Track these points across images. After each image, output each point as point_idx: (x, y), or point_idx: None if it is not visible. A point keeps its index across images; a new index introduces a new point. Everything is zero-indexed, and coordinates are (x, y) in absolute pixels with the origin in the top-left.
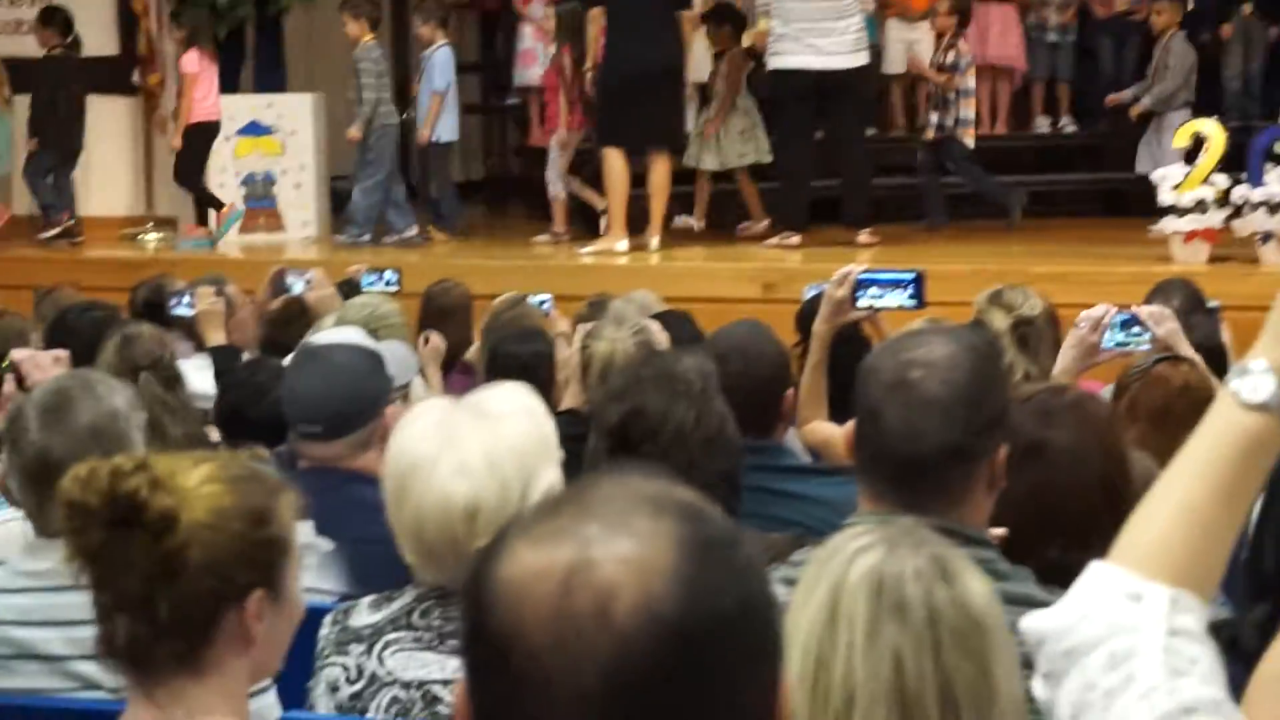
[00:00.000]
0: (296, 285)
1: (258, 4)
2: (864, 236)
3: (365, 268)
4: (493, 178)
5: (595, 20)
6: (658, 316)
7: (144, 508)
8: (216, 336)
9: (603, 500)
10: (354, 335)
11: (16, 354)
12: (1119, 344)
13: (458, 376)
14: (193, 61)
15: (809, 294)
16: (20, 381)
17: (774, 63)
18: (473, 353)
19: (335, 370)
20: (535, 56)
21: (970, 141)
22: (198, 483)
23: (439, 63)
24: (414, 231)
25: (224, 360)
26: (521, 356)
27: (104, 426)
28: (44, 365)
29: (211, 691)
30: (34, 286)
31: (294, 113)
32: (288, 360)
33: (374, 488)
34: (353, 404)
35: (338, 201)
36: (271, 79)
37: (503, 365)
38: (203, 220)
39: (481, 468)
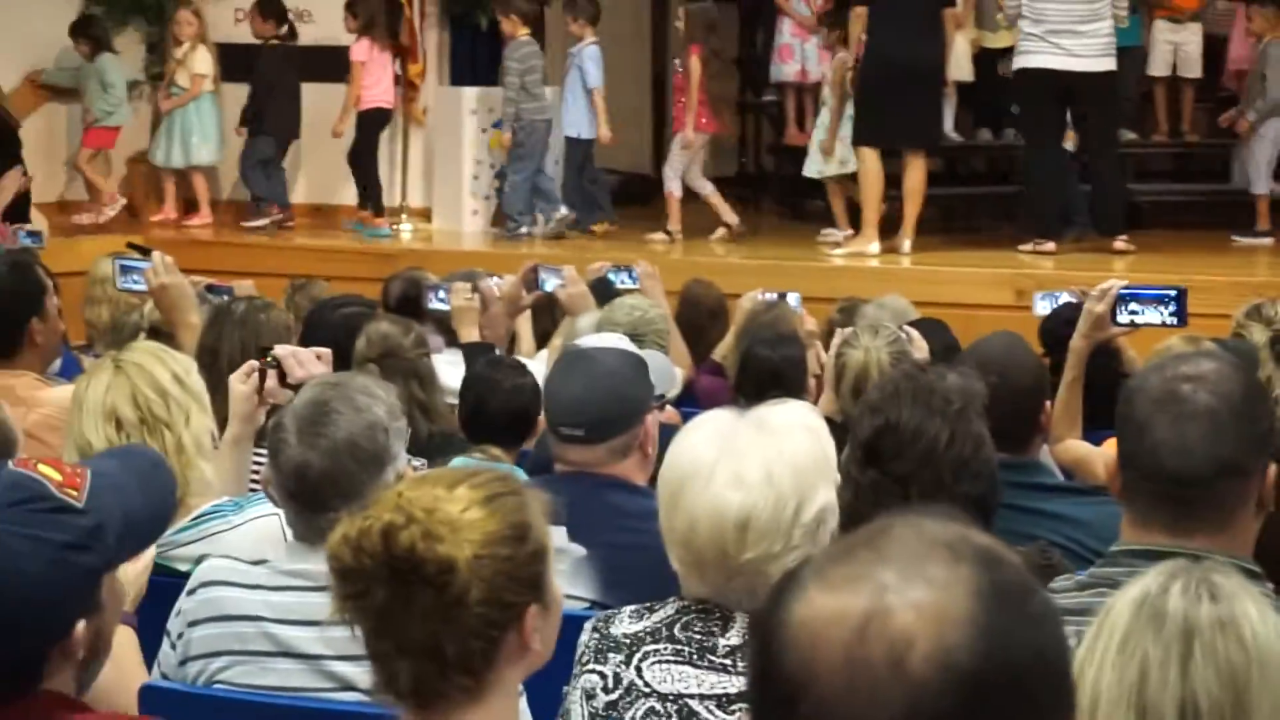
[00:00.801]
0: (549, 282)
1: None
2: (1119, 244)
3: (610, 265)
4: (745, 174)
5: (859, 18)
6: (913, 324)
7: (422, 562)
8: (470, 333)
9: (898, 544)
10: (619, 340)
11: (280, 349)
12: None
13: (706, 375)
14: (362, 50)
15: (1040, 304)
16: (282, 377)
17: (1020, 62)
18: (721, 351)
19: (601, 374)
20: (793, 52)
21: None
22: (459, 511)
23: (590, 59)
24: (564, 212)
25: (476, 356)
26: (773, 360)
27: (362, 441)
28: (306, 362)
29: (493, 712)
30: (279, 275)
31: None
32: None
33: (631, 494)
34: (616, 409)
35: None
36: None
37: (755, 368)
38: (373, 208)
39: (758, 480)
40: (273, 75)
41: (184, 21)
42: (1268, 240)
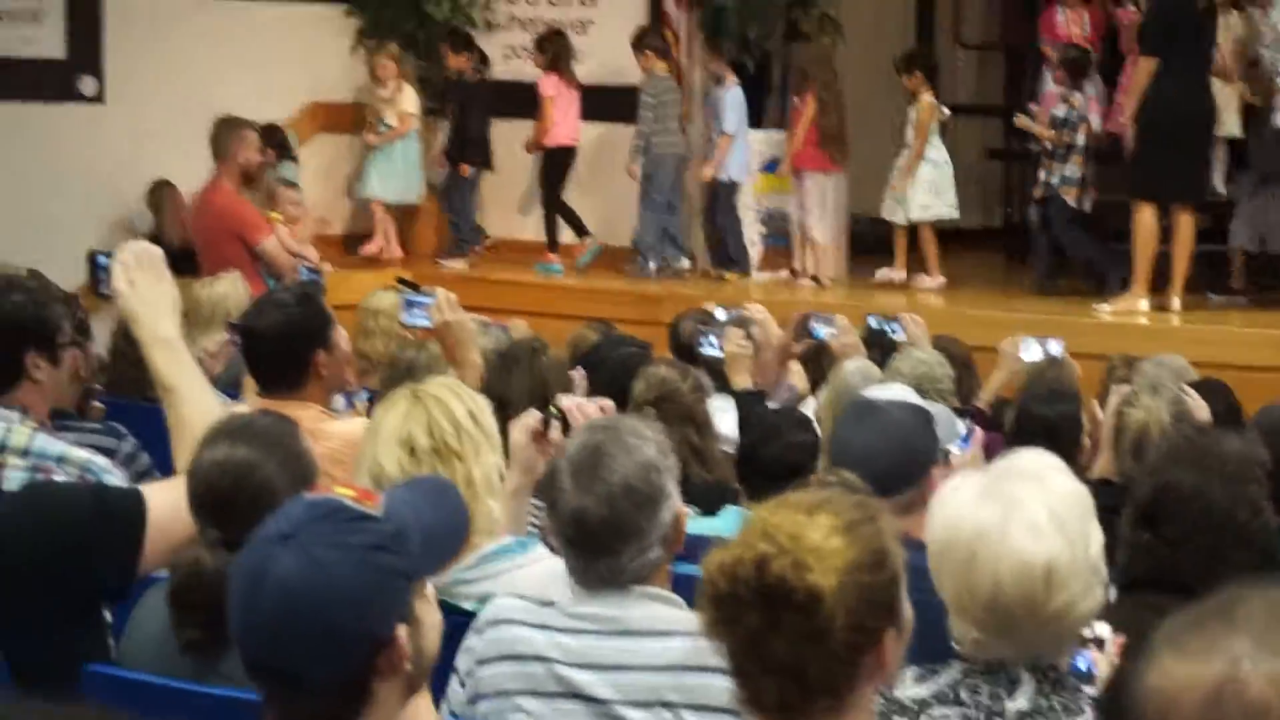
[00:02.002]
0: (821, 330)
1: (785, 37)
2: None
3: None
4: (1010, 225)
5: (1145, 69)
6: (1194, 385)
7: (792, 590)
8: (742, 380)
9: (1250, 615)
10: (906, 393)
11: (563, 400)
12: None
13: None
14: (551, 85)
15: None
16: (565, 429)
17: None
18: (986, 397)
19: (890, 426)
20: (1056, 99)
21: (1072, 201)
22: (822, 538)
23: (730, 103)
24: (685, 265)
25: (748, 404)
26: (1049, 418)
27: (637, 483)
28: (590, 414)
29: None
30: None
31: (763, 153)
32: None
33: (916, 551)
34: (904, 462)
35: (858, 239)
36: (751, 116)
37: (1029, 425)
38: (553, 246)
39: (1049, 527)
40: (472, 108)
41: (382, 65)
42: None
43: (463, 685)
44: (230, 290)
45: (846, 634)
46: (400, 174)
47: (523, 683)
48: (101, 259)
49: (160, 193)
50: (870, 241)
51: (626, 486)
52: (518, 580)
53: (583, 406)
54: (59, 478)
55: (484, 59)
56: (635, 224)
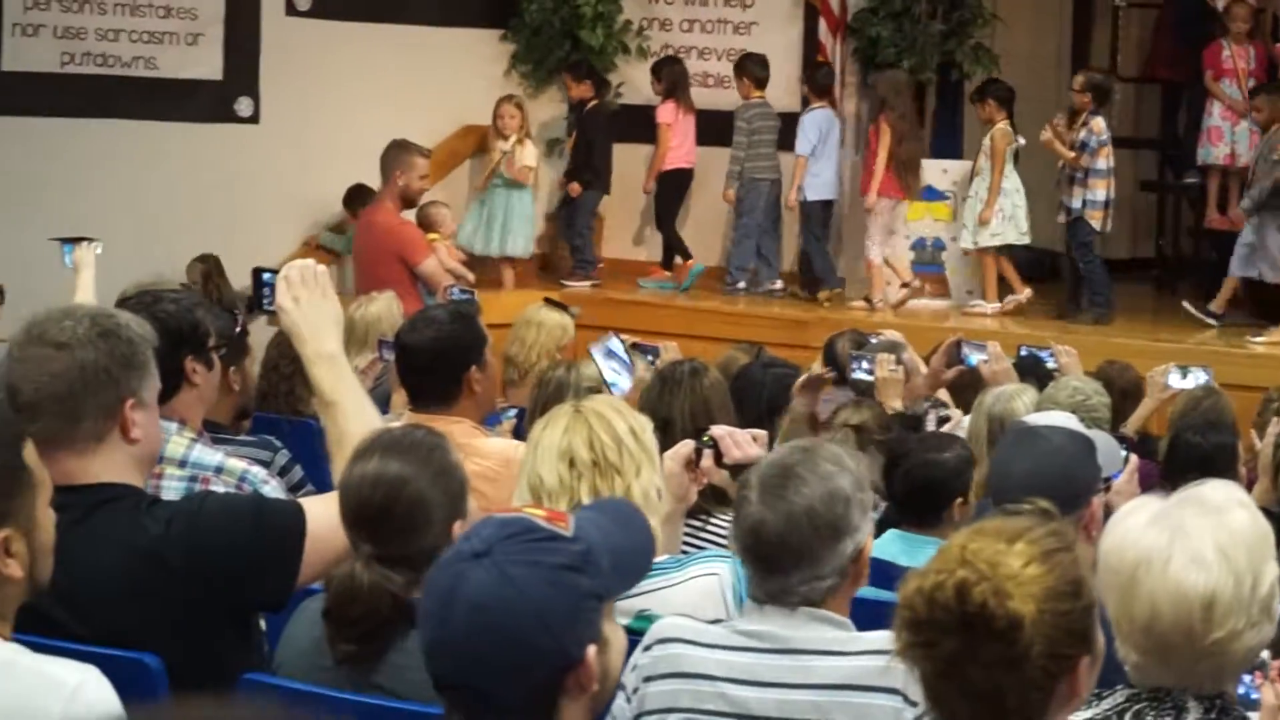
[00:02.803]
0: (973, 357)
1: (940, 69)
2: None
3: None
4: (1163, 257)
5: None
6: None
7: (993, 618)
8: (894, 404)
9: None
10: (1067, 419)
11: (717, 430)
12: None
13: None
14: (669, 112)
15: None
16: (718, 458)
17: None
18: (1132, 426)
19: (1051, 452)
20: (1223, 135)
21: (1096, 224)
22: (1020, 566)
23: (806, 125)
24: (777, 285)
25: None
26: (1204, 448)
27: (822, 510)
28: (743, 443)
29: None
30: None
31: (962, 179)
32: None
33: None
34: (1065, 488)
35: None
36: (949, 144)
37: (1185, 454)
38: (667, 265)
39: (1215, 559)
40: (593, 134)
41: (507, 115)
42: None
43: (628, 701)
44: (384, 311)
45: (1043, 661)
46: (514, 228)
47: (689, 700)
48: (266, 275)
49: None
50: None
51: (809, 509)
52: (672, 598)
53: (735, 435)
54: (216, 488)
55: (605, 85)
56: (731, 246)
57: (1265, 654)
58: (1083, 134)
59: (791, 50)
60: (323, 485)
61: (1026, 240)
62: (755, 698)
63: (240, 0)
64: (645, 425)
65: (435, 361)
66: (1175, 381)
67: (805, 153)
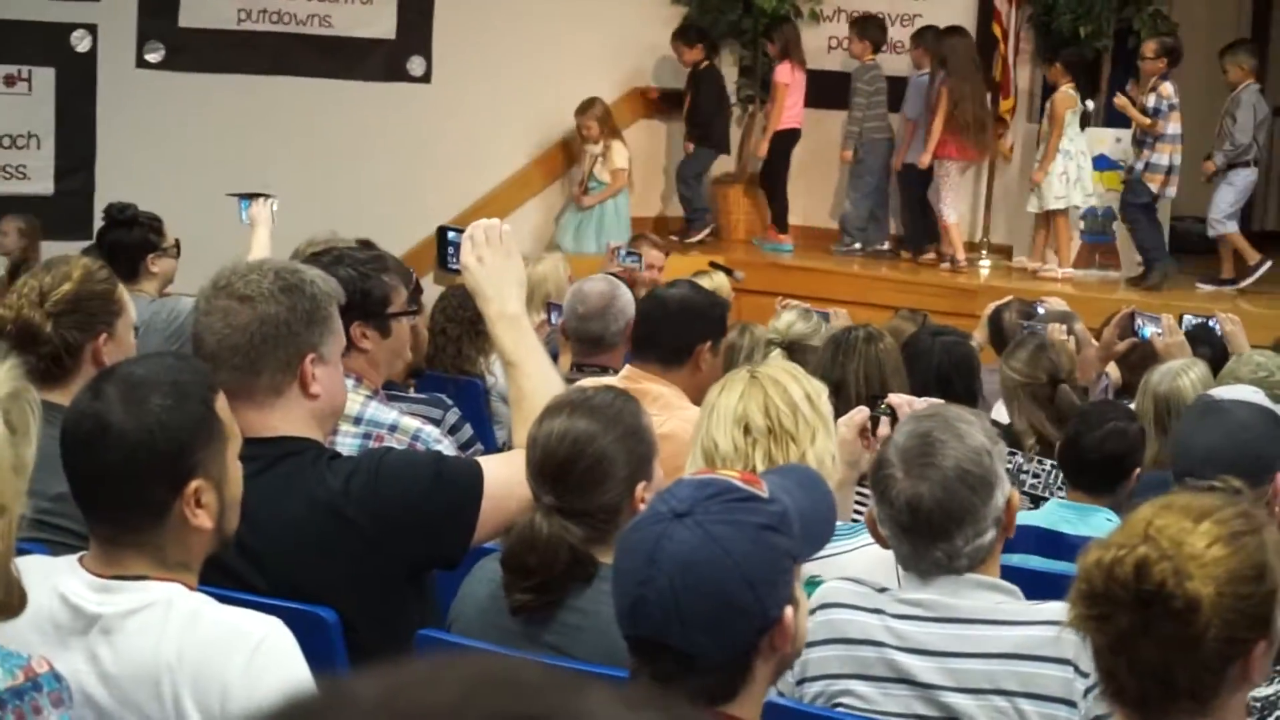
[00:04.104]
0: (1147, 329)
1: (1117, 35)
2: None
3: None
4: None
5: None
6: None
7: (1171, 597)
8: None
9: None
10: (1254, 393)
11: (894, 398)
12: None
13: None
14: (785, 73)
15: None
16: (894, 425)
17: None
18: None
19: (1236, 427)
20: None
21: (1154, 188)
22: (1204, 546)
23: (913, 90)
24: (885, 246)
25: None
26: None
27: (971, 467)
28: (916, 406)
29: None
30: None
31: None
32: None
33: None
34: (1250, 464)
35: (1180, 243)
36: (1120, 115)
37: None
38: (782, 227)
39: None
40: (705, 95)
41: (585, 126)
42: (1229, 289)
43: (790, 668)
44: (550, 271)
45: (1218, 644)
46: (610, 229)
47: (853, 666)
48: (452, 234)
49: None
50: (1193, 240)
51: (960, 470)
52: (845, 564)
53: (913, 404)
54: (391, 444)
55: (715, 48)
56: (846, 205)
57: None
58: (1152, 99)
59: (966, 13)
60: (489, 444)
61: (1093, 202)
62: (922, 665)
63: None
64: (821, 391)
65: (678, 320)
66: None
67: (913, 116)
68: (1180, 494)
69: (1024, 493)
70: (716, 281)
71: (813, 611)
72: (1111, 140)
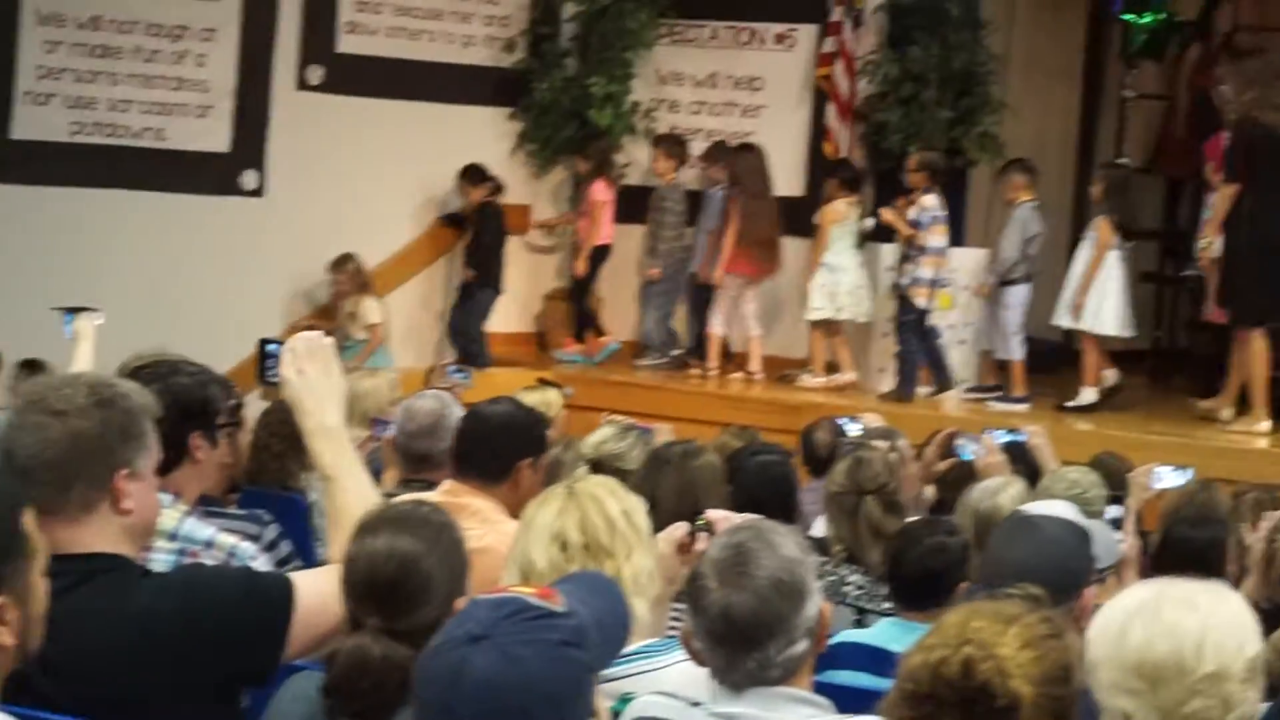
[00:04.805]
0: (967, 450)
1: (948, 153)
2: None
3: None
4: (1160, 350)
5: (1226, 194)
6: None
7: (995, 696)
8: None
9: None
10: (1066, 508)
11: (711, 514)
12: None
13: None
14: (601, 190)
15: None
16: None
17: None
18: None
19: (1047, 542)
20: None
21: (921, 302)
22: (1017, 649)
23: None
24: (676, 353)
25: None
26: (1196, 542)
27: (785, 578)
28: (734, 521)
29: None
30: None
31: (966, 269)
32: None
33: None
34: (1059, 578)
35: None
36: (953, 230)
37: (1176, 548)
38: (579, 337)
39: (1205, 604)
40: (486, 234)
41: (340, 279)
42: (1022, 406)
43: None
44: (373, 388)
45: None
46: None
47: None
48: (271, 346)
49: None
50: (1050, 359)
51: (774, 579)
52: (659, 680)
53: (731, 519)
54: (205, 562)
55: (499, 188)
56: (647, 322)
57: None
58: (913, 212)
59: (800, 132)
60: (310, 560)
61: (845, 316)
62: None
63: (251, 74)
64: (638, 507)
65: (499, 437)
66: (1157, 482)
67: (709, 230)
68: (984, 602)
69: (847, 604)
70: (547, 397)
71: None
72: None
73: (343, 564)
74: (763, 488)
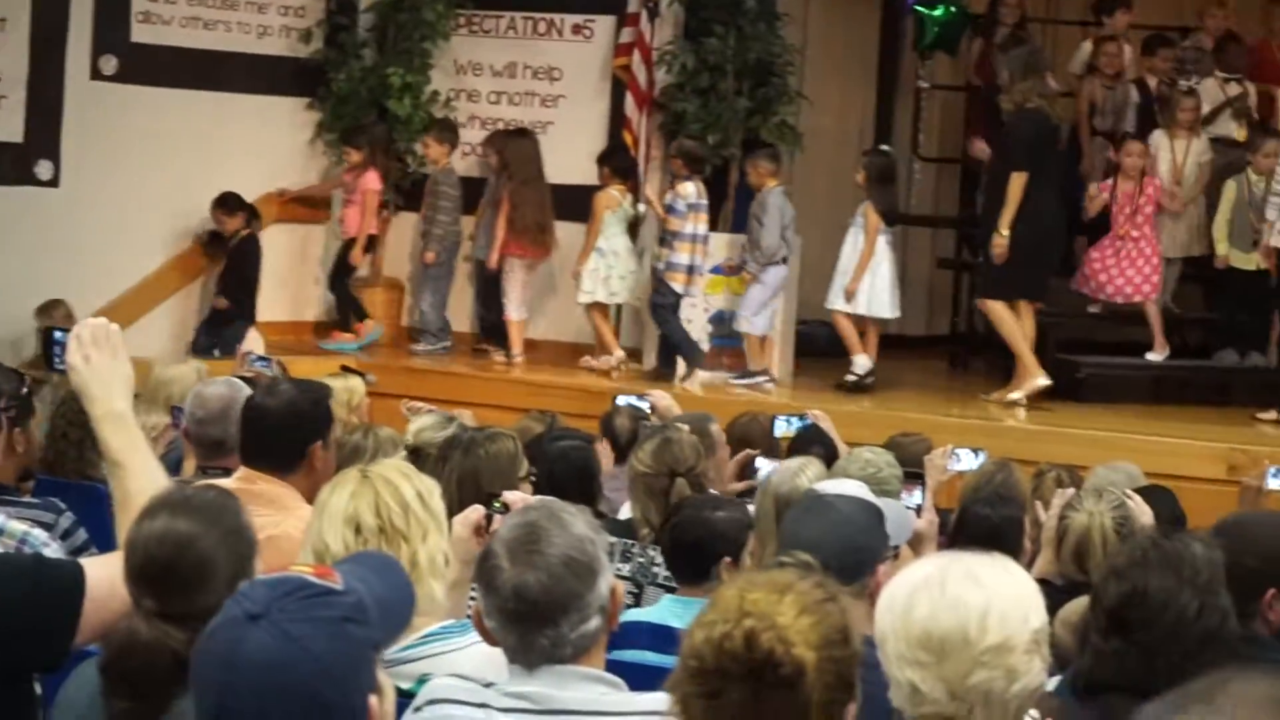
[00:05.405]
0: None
1: (744, 145)
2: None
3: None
4: (957, 334)
5: (1018, 182)
6: (1140, 491)
7: (780, 664)
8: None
9: (1233, 700)
10: (859, 489)
11: (509, 496)
12: None
13: None
14: (374, 179)
15: (1273, 480)
16: None
17: None
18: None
19: (840, 521)
20: None
21: (678, 287)
22: (795, 616)
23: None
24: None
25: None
26: (992, 520)
27: (577, 555)
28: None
29: None
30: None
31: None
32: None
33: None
34: (851, 556)
35: (803, 344)
36: (742, 222)
37: (972, 527)
38: (345, 325)
39: (989, 579)
40: (250, 265)
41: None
42: (764, 380)
43: None
44: (180, 375)
45: (821, 709)
46: None
47: None
48: (58, 334)
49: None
50: (822, 343)
51: (566, 558)
52: (456, 661)
53: (527, 501)
54: None
55: (255, 216)
56: (423, 307)
57: (1034, 713)
58: (669, 197)
59: (598, 122)
60: (107, 549)
61: (618, 300)
62: None
63: (44, 63)
64: (433, 490)
65: (282, 428)
66: (955, 464)
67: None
68: (756, 574)
69: (658, 584)
70: (350, 384)
71: (420, 708)
72: (738, 245)
73: (124, 548)
74: (564, 472)
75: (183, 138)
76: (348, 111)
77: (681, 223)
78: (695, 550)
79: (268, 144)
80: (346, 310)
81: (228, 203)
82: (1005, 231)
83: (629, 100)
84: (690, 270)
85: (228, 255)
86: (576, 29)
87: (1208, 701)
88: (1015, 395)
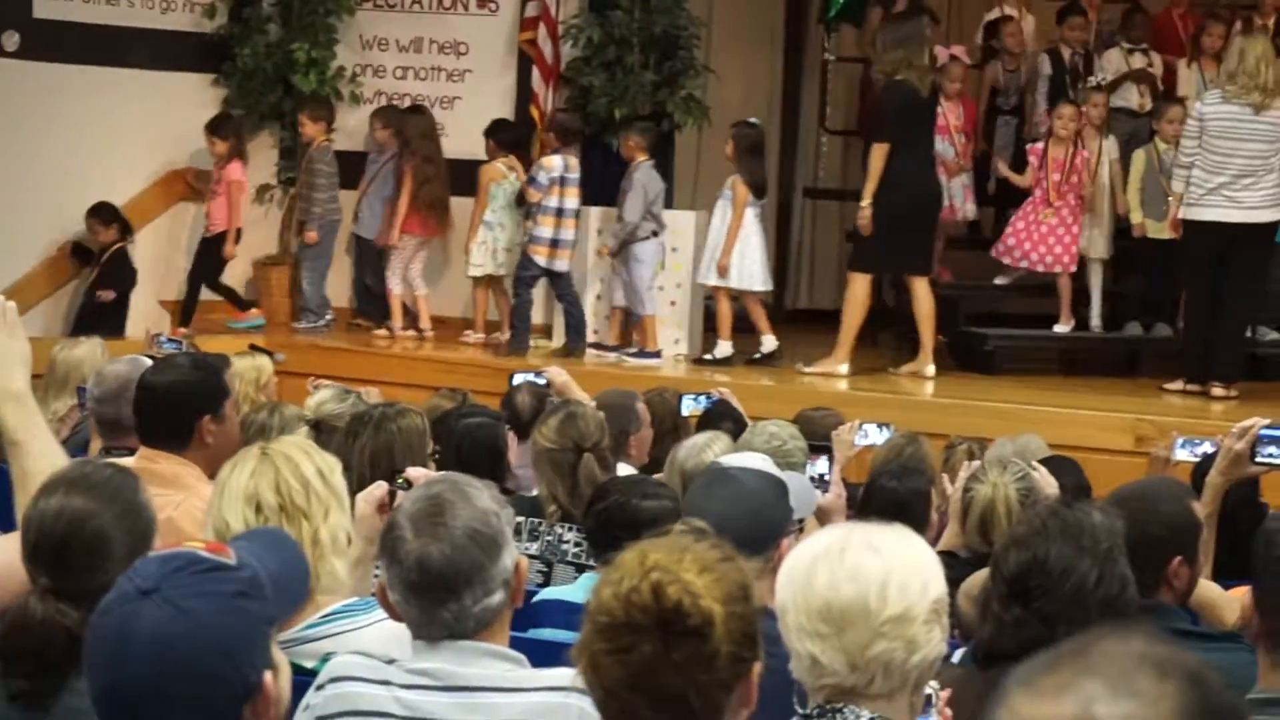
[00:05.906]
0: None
1: (653, 116)
2: (1218, 390)
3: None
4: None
5: (879, 153)
6: (1044, 462)
7: (688, 615)
8: None
9: (1106, 657)
10: (763, 462)
11: (412, 472)
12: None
13: None
14: (239, 170)
15: (1181, 451)
16: None
17: (1189, 214)
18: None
19: (743, 494)
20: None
21: (541, 260)
22: (697, 574)
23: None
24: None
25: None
26: (898, 493)
27: (480, 527)
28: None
29: None
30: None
31: (676, 229)
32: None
33: (766, 618)
34: (755, 529)
35: (709, 318)
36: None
37: (879, 499)
38: (243, 305)
39: (889, 549)
40: None
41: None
42: (656, 361)
43: None
44: (86, 356)
45: (728, 662)
46: None
47: None
48: None
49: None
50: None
51: (470, 530)
52: (360, 639)
53: (431, 477)
54: None
55: (128, 230)
56: (304, 285)
57: (934, 684)
58: (533, 170)
59: (504, 98)
60: (7, 529)
61: (504, 272)
62: None
63: None
64: (335, 467)
65: (169, 404)
66: (862, 439)
67: (381, 194)
68: (653, 539)
69: (568, 561)
70: (258, 363)
71: (322, 686)
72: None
73: (21, 526)
74: (471, 450)
75: (84, 116)
76: (253, 87)
77: (543, 195)
78: (622, 538)
79: (173, 120)
80: (192, 305)
81: (102, 213)
82: (867, 202)
83: (535, 74)
84: (555, 244)
85: (98, 270)
86: (482, 3)
87: (1081, 659)
88: (813, 369)
